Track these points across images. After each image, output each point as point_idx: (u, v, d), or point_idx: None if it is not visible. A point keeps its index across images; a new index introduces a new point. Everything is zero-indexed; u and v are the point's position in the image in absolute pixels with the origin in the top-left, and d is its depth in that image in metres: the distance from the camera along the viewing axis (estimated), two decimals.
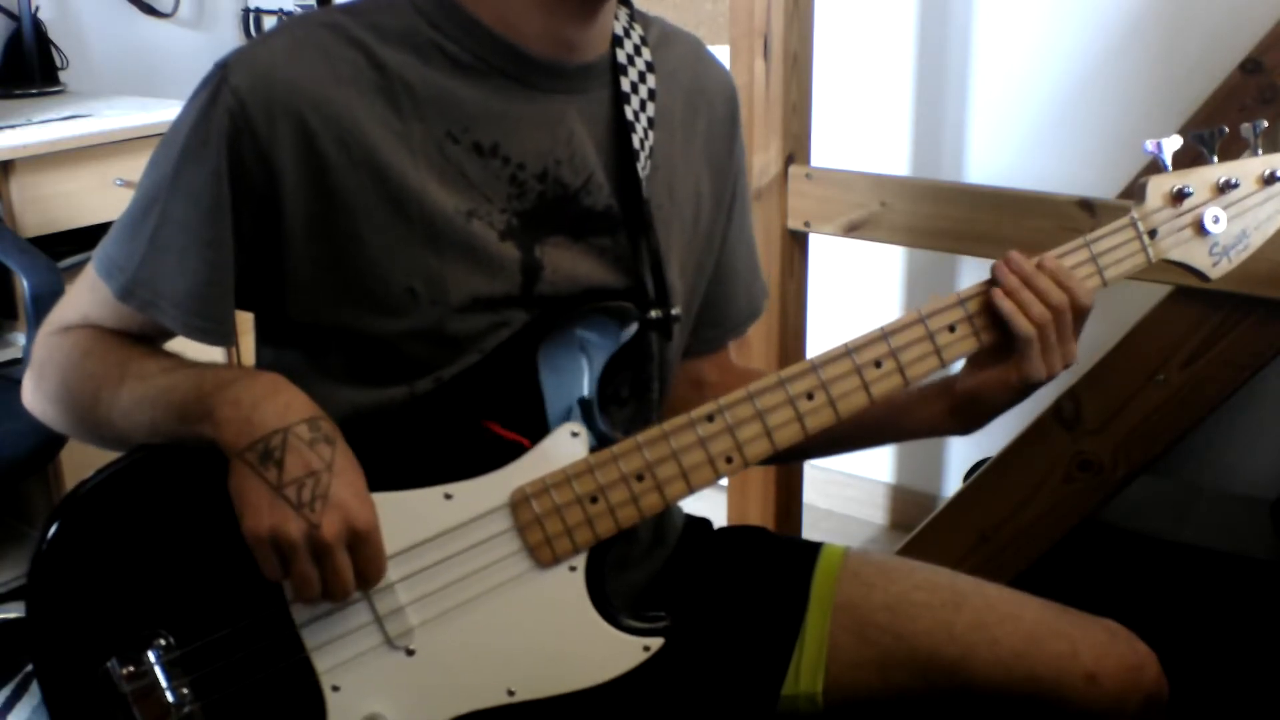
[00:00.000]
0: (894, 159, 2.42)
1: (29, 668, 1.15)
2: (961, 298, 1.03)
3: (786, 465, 2.13)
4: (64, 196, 2.30)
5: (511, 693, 0.98)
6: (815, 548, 1.20)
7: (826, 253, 2.28)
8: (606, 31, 1.04)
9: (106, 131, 2.35)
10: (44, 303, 1.84)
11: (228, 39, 3.09)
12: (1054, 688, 1.08)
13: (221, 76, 0.94)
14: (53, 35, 2.73)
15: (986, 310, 1.03)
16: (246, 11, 3.10)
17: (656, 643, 0.99)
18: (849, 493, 2.65)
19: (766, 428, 0.99)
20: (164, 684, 0.95)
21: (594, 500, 0.97)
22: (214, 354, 1.12)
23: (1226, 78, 1.95)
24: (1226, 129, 1.08)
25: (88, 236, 2.28)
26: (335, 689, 0.97)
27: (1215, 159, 1.08)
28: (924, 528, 2.08)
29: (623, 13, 1.08)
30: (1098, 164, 2.16)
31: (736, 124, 1.18)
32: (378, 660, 0.97)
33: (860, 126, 2.42)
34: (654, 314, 1.03)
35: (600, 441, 0.98)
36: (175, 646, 0.95)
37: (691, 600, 1.15)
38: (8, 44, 2.68)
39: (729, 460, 0.99)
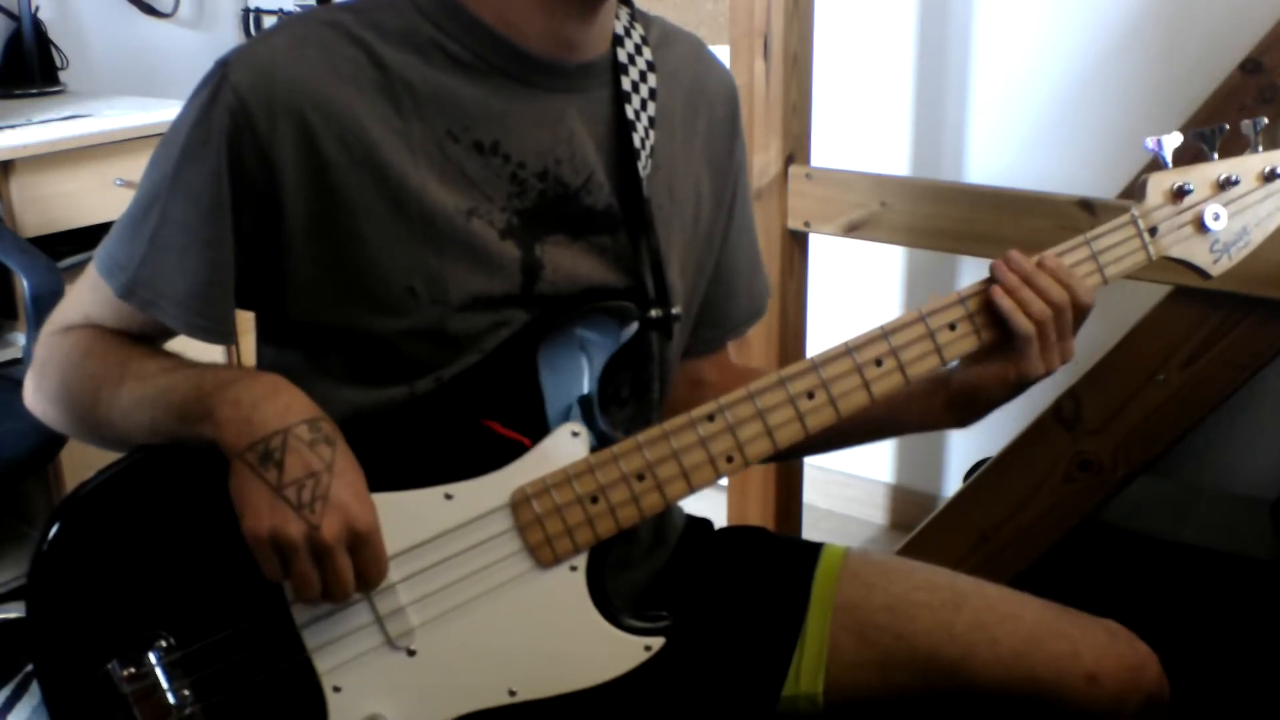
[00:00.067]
0: (894, 159, 2.42)
1: (29, 668, 1.15)
2: (961, 296, 1.03)
3: (787, 465, 2.13)
4: (64, 196, 2.30)
5: (513, 693, 0.98)
6: (816, 548, 1.20)
7: (826, 253, 2.28)
8: (607, 31, 1.04)
9: (106, 131, 2.35)
10: (44, 303, 1.84)
11: (228, 39, 3.09)
12: (1054, 688, 1.08)
13: (222, 75, 0.94)
14: (53, 35, 2.73)
15: (986, 308, 1.03)
16: (246, 11, 3.10)
17: (658, 642, 0.99)
18: (849, 493, 2.65)
19: (767, 427, 0.99)
20: (165, 685, 0.95)
21: (594, 500, 0.97)
22: (214, 352, 1.12)
23: (1226, 78, 1.95)
24: (1227, 126, 1.08)
25: (88, 236, 2.28)
26: (336, 689, 0.97)
27: (1215, 156, 1.08)
28: (924, 528, 2.08)
29: (623, 12, 1.08)
30: (1098, 164, 2.16)
31: (737, 124, 1.18)
32: (379, 661, 0.97)
33: (860, 126, 2.42)
34: (654, 313, 1.03)
35: (600, 441, 0.98)
36: (176, 647, 0.95)
37: (692, 600, 1.15)
38: (8, 44, 2.68)
39: (730, 460, 0.99)
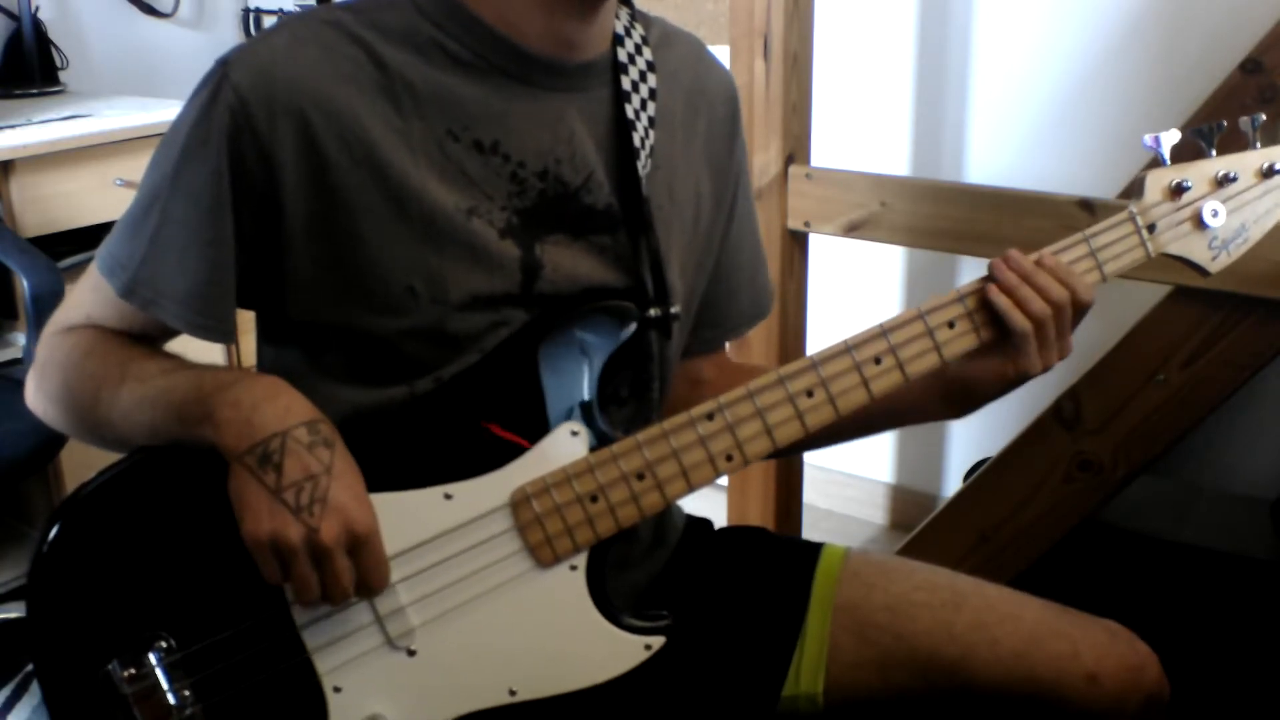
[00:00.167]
0: (894, 159, 2.42)
1: (29, 668, 1.15)
2: (960, 294, 1.03)
3: (786, 465, 2.13)
4: (64, 196, 2.30)
5: (513, 692, 0.98)
6: (816, 548, 1.20)
7: (826, 253, 2.28)
8: (607, 30, 1.04)
9: (106, 131, 2.35)
10: (44, 303, 1.84)
11: (228, 39, 3.09)
12: (1054, 688, 1.08)
13: (222, 74, 0.94)
14: (53, 35, 2.73)
15: (985, 307, 1.03)
16: (246, 11, 3.10)
17: (658, 642, 0.99)
18: (849, 493, 2.65)
19: (766, 426, 0.99)
20: (165, 686, 0.95)
21: (594, 499, 0.97)
22: (215, 352, 1.12)
23: (1226, 78, 1.95)
24: (1225, 123, 1.08)
25: (88, 236, 2.28)
26: (337, 690, 0.97)
27: (1214, 153, 1.08)
28: (924, 528, 2.08)
29: (624, 12, 1.08)
30: (1098, 164, 2.16)
31: (737, 124, 1.18)
32: (379, 661, 0.97)
33: (860, 126, 2.42)
34: (654, 313, 1.03)
35: (600, 440, 0.98)
36: (177, 648, 0.95)
37: (692, 600, 1.15)
38: (8, 44, 2.68)
39: (729, 458, 0.99)
